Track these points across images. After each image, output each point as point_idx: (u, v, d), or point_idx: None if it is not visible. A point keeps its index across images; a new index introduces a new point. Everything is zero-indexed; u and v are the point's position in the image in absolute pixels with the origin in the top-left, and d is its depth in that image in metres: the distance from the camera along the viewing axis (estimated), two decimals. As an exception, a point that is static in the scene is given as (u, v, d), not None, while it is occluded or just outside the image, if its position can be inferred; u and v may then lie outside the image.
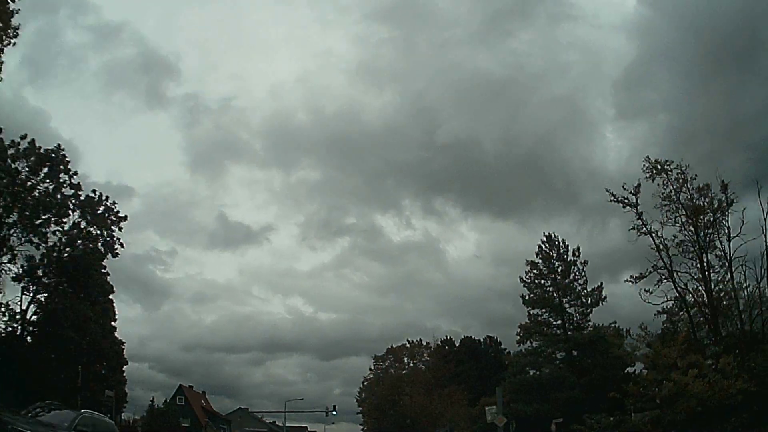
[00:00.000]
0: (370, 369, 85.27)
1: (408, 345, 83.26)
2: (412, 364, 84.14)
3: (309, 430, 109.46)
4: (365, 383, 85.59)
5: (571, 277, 51.32)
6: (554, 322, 50.42)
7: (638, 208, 36.40)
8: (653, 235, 35.71)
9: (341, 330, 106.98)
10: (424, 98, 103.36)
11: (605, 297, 50.21)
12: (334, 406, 59.00)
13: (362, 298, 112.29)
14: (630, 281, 36.69)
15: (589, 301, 50.13)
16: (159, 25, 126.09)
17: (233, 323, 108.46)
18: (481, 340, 76.91)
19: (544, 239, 52.48)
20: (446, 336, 77.56)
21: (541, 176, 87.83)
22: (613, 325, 49.34)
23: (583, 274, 51.09)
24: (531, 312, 51.37)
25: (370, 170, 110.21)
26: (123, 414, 49.73)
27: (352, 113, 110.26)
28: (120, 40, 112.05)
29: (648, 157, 36.14)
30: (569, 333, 49.37)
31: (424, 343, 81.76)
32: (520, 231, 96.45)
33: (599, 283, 50.80)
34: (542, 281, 51.65)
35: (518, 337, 51.02)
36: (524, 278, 51.99)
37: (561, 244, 52.18)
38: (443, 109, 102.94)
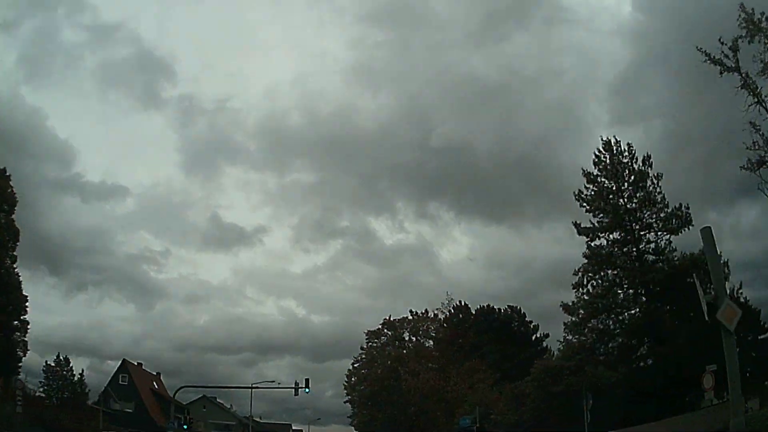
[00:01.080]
0: (362, 348, 70.39)
1: (411, 317, 68.86)
2: (414, 341, 69.93)
3: (293, 428, 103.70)
4: (356, 365, 70.94)
5: (641, 195, 37.52)
6: (628, 253, 36.54)
7: (740, 70, 26.22)
8: (764, 104, 25.81)
9: (334, 332, 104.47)
10: (418, 101, 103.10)
11: (691, 221, 36.56)
12: (307, 380, 48.06)
13: (355, 300, 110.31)
14: (746, 169, 26.50)
15: (673, 224, 36.33)
16: (155, 26, 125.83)
17: (226, 324, 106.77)
18: (501, 309, 62.16)
19: (603, 145, 38.64)
20: (461, 302, 62.84)
21: (535, 180, 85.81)
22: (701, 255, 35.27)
23: (659, 189, 37.32)
24: (592, 244, 37.62)
25: (364, 173, 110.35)
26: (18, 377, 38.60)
27: (346, 115, 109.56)
28: (116, 39, 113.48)
29: (742, 5, 25.79)
30: (648, 266, 35.54)
31: (432, 315, 67.51)
32: (513, 235, 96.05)
33: (679, 204, 37.18)
34: (604, 202, 37.80)
35: (577, 276, 36.92)
36: (580, 196, 38.17)
37: (627, 151, 38.34)
38: (438, 112, 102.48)
